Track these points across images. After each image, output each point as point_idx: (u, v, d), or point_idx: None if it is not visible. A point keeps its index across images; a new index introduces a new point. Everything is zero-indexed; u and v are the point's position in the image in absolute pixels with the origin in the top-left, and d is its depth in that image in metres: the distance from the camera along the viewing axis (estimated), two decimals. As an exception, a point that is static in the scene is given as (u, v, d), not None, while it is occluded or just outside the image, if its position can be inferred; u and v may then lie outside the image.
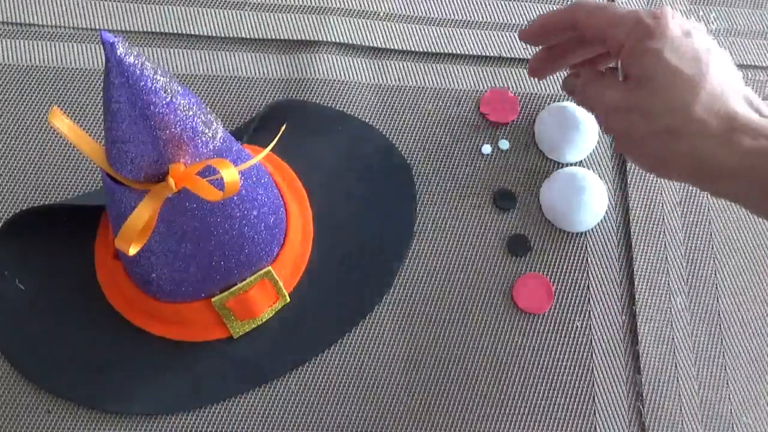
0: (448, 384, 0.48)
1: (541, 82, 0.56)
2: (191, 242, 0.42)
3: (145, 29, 0.55)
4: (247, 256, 0.45)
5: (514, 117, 0.54)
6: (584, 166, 0.54)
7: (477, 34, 0.57)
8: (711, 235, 0.53)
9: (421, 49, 0.56)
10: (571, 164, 0.54)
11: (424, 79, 0.55)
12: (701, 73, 0.40)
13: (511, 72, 0.56)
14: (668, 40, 0.40)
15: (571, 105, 0.55)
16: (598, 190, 0.52)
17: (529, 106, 0.55)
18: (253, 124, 0.51)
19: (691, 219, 0.53)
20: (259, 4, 0.57)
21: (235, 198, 0.41)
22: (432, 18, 0.57)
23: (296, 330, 0.48)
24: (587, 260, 0.51)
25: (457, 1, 0.58)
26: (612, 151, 0.54)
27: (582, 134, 0.53)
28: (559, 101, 0.55)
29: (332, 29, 0.56)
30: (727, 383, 0.49)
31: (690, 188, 0.54)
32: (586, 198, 0.51)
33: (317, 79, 0.54)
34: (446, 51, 0.56)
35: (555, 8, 0.57)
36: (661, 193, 0.53)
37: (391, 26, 0.57)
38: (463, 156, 0.54)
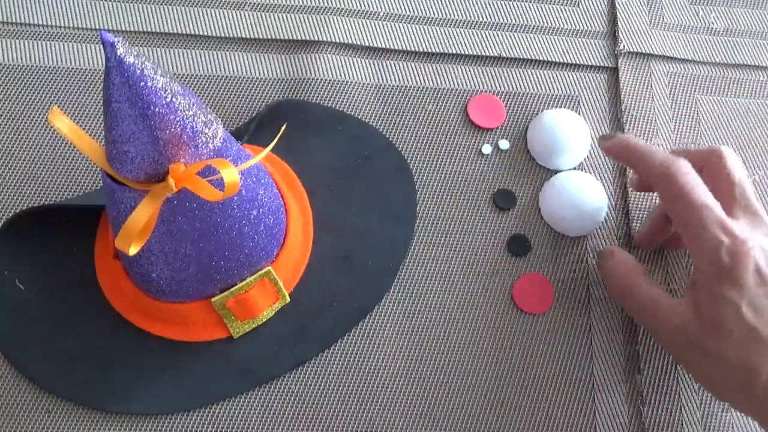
0: (448, 384, 0.48)
1: (541, 82, 0.56)
2: (191, 242, 0.42)
3: (145, 29, 0.55)
4: (247, 256, 0.45)
5: (499, 123, 0.54)
6: (583, 168, 0.54)
7: (477, 34, 0.57)
8: (711, 235, 0.53)
9: (421, 49, 0.56)
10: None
11: (424, 79, 0.55)
12: None
13: (511, 72, 0.56)
14: (745, 291, 0.40)
15: (561, 113, 0.55)
16: (598, 193, 0.52)
17: (529, 106, 0.55)
18: (253, 124, 0.51)
19: (691, 219, 0.53)
20: (259, 4, 0.57)
21: (236, 198, 0.41)
22: (432, 18, 0.57)
23: (296, 330, 0.48)
24: (587, 260, 0.51)
25: (457, 1, 0.58)
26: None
27: (573, 143, 0.53)
28: (552, 107, 0.55)
29: (332, 29, 0.56)
30: (727, 383, 0.49)
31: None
32: (586, 204, 0.51)
33: (317, 79, 0.54)
34: (446, 51, 0.56)
35: (557, 8, 0.58)
36: (661, 193, 0.53)
37: (391, 26, 0.57)
38: (463, 156, 0.54)
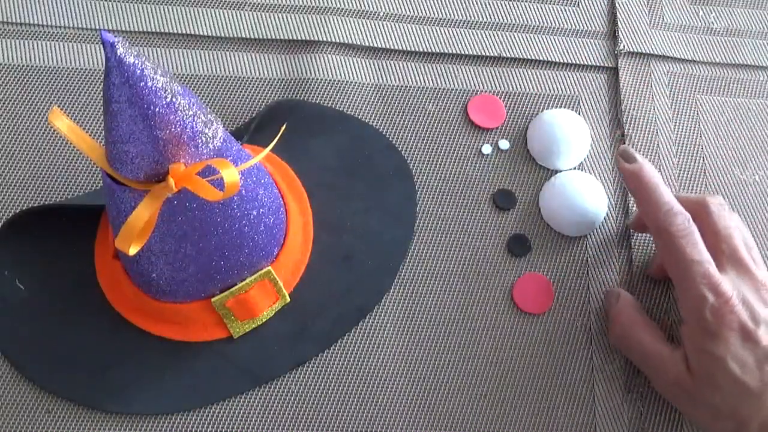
0: (448, 384, 0.48)
1: (541, 82, 0.56)
2: (191, 242, 0.42)
3: (145, 29, 0.55)
4: (247, 256, 0.45)
5: (499, 123, 0.54)
6: (583, 168, 0.54)
7: (477, 34, 0.57)
8: (711, 235, 0.53)
9: (421, 49, 0.56)
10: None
11: (424, 79, 0.55)
12: (763, 385, 0.41)
13: (511, 72, 0.56)
14: (729, 348, 0.41)
15: (561, 113, 0.55)
16: (598, 193, 0.52)
17: (529, 106, 0.55)
18: (253, 124, 0.51)
19: (691, 219, 0.53)
20: (259, 4, 0.57)
21: (236, 198, 0.42)
22: (432, 18, 0.57)
23: (296, 330, 0.48)
24: (587, 260, 0.51)
25: (457, 1, 0.58)
26: (612, 157, 0.54)
27: (573, 143, 0.53)
28: (552, 107, 0.55)
29: (332, 29, 0.56)
30: (727, 383, 0.49)
31: (688, 188, 0.54)
32: (586, 204, 0.51)
33: (317, 79, 0.54)
34: (446, 51, 0.56)
35: (557, 8, 0.58)
36: (661, 193, 0.53)
37: (391, 26, 0.57)
38: (463, 156, 0.54)
